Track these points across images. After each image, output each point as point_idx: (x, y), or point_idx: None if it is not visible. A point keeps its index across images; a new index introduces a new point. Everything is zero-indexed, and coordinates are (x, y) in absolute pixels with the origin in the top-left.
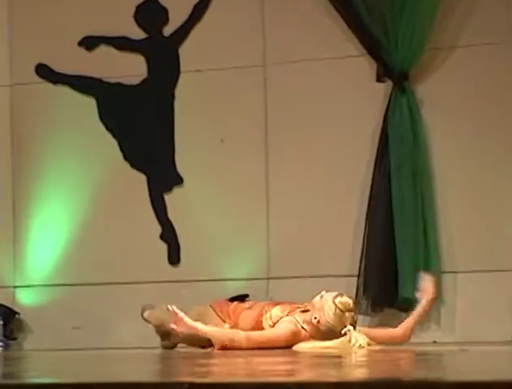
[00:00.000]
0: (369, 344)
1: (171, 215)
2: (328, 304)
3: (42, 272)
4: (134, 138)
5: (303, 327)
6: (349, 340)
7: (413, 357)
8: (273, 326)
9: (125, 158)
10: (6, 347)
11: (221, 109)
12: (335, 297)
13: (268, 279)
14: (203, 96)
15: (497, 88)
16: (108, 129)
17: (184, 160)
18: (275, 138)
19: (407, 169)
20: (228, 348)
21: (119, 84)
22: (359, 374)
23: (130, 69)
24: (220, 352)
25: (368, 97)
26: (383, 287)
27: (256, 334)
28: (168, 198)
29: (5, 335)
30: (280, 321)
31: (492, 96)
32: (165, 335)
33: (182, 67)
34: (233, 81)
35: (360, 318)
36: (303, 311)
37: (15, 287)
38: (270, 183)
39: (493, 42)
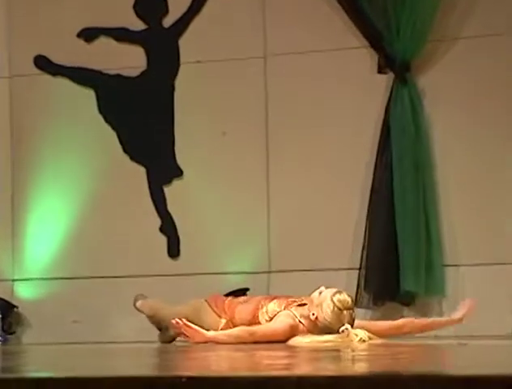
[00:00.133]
0: (370, 338)
1: (171, 207)
2: (326, 301)
3: (41, 265)
4: (133, 130)
5: (300, 322)
6: (347, 336)
7: (413, 351)
8: (270, 320)
9: (125, 150)
10: (5, 341)
11: (221, 100)
12: (334, 294)
13: (269, 272)
14: (203, 88)
15: (499, 80)
16: (107, 121)
17: (184, 153)
18: (276, 131)
19: (409, 162)
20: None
21: (118, 76)
22: (358, 368)
23: (130, 60)
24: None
25: (369, 89)
26: (385, 280)
27: (254, 328)
28: (167, 190)
29: (3, 329)
30: (278, 315)
31: (494, 88)
32: (159, 324)
33: (182, 59)
34: (234, 72)
35: (362, 311)
36: (300, 305)
37: (14, 280)
38: (271, 176)
39: (496, 33)
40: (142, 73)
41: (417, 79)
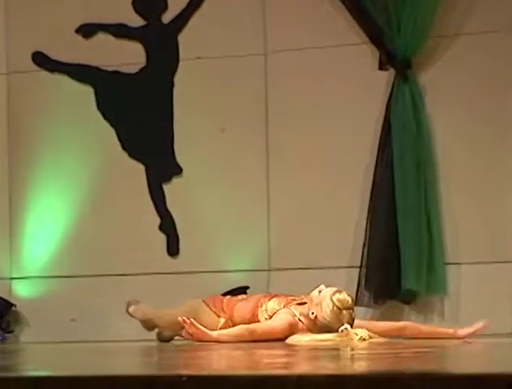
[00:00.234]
0: (370, 337)
1: (170, 205)
2: (326, 301)
3: (39, 264)
4: (132, 127)
5: (300, 320)
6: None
7: (414, 350)
8: (269, 318)
9: (124, 148)
10: (3, 340)
11: (221, 97)
12: (334, 293)
13: (269, 270)
14: (203, 85)
15: (501, 77)
16: (105, 118)
17: (183, 150)
18: (276, 128)
19: (410, 159)
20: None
21: (117, 72)
22: (358, 366)
23: (129, 57)
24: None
25: (370, 86)
26: (385, 279)
27: (253, 327)
28: (167, 188)
29: (1, 328)
30: (277, 313)
31: (496, 85)
32: (152, 329)
33: (182, 55)
34: (233, 69)
35: (362, 310)
36: (299, 304)
37: (12, 278)
38: (271, 173)
39: (497, 30)
40: (141, 69)
41: (418, 76)
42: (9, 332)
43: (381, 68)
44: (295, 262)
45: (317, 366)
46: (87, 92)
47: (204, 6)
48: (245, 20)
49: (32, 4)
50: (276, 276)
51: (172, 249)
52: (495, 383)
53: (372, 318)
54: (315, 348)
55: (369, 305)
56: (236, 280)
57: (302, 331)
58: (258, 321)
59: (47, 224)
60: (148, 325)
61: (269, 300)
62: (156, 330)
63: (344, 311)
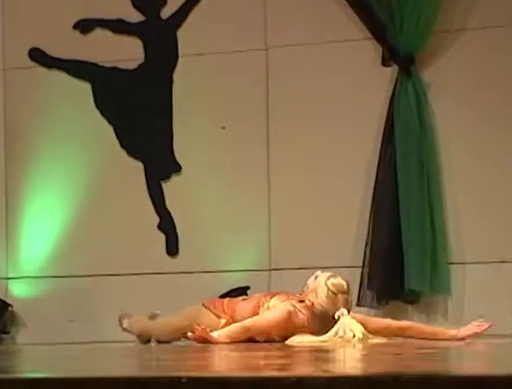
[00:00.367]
0: (368, 337)
1: (169, 204)
2: (321, 286)
3: (36, 263)
4: (130, 124)
5: (300, 311)
6: (337, 333)
7: (415, 351)
8: None
9: (122, 146)
10: None
11: (221, 94)
12: (328, 278)
13: (270, 270)
14: (203, 81)
15: (506, 72)
16: (103, 115)
17: (182, 148)
18: (277, 125)
19: (414, 157)
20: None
21: (115, 69)
22: (359, 368)
23: (127, 53)
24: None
25: (373, 82)
26: (388, 278)
27: (251, 320)
28: (166, 186)
29: None
30: (276, 304)
31: (501, 80)
32: (147, 341)
33: (181, 51)
34: (234, 65)
35: (365, 310)
36: (300, 301)
37: (8, 278)
38: (272, 171)
39: (502, 25)
40: (140, 66)
41: (422, 72)
42: (5, 333)
43: (384, 64)
44: (296, 261)
45: (317, 368)
46: (84, 89)
47: (204, 1)
48: (246, 15)
49: None
50: (277, 276)
51: (172, 248)
52: (498, 385)
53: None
54: (315, 350)
55: (371, 306)
56: (237, 280)
57: (302, 322)
58: None
59: (44, 222)
60: (144, 338)
61: (270, 298)
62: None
63: (339, 295)
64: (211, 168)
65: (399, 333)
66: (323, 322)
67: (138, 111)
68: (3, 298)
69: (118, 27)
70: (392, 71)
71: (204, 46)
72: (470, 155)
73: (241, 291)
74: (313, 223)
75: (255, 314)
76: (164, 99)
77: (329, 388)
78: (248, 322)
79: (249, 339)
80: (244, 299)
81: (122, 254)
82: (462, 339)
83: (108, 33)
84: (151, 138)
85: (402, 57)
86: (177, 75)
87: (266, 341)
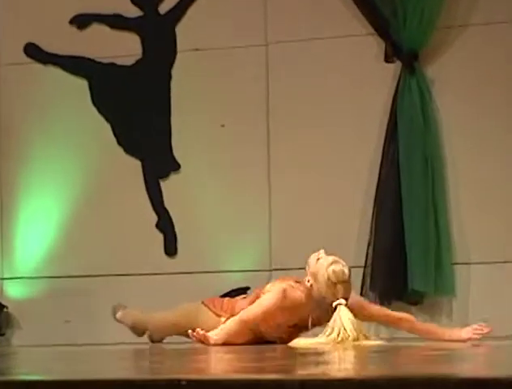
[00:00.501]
0: (366, 337)
1: (167, 203)
2: (321, 272)
3: (31, 263)
4: (128, 122)
5: (298, 289)
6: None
7: (419, 353)
8: None
9: (119, 143)
10: None
11: (220, 90)
12: (330, 264)
13: (270, 270)
14: (202, 77)
15: (511, 68)
16: (100, 112)
17: (181, 145)
18: (278, 123)
19: (417, 154)
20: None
21: (112, 65)
22: (363, 370)
23: (124, 49)
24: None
25: (375, 79)
26: (391, 279)
27: (245, 310)
28: (164, 185)
29: None
30: (270, 288)
31: (506, 76)
32: (141, 334)
33: (179, 47)
34: (233, 61)
35: None
36: (297, 281)
37: (3, 279)
38: (273, 170)
39: (506, 21)
40: (138, 61)
41: (426, 68)
42: (0, 335)
43: (387, 60)
44: (297, 262)
45: (320, 370)
46: (81, 85)
47: None
48: (246, 10)
49: None
50: (278, 276)
51: (170, 248)
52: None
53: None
54: (314, 352)
55: None
56: (237, 281)
57: (300, 298)
58: None
59: (39, 222)
60: (138, 330)
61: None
62: (147, 333)
63: (339, 285)
64: (210, 166)
65: (397, 323)
66: (321, 306)
67: (136, 108)
68: None
69: (115, 22)
70: (395, 68)
71: (203, 42)
72: (474, 152)
73: (241, 291)
74: (314, 222)
75: None
76: (163, 95)
77: None
78: (243, 313)
79: (254, 341)
80: (243, 297)
81: (119, 254)
82: (457, 341)
83: (106, 28)
84: (149, 136)
85: (405, 53)
86: (175, 71)
87: (268, 342)
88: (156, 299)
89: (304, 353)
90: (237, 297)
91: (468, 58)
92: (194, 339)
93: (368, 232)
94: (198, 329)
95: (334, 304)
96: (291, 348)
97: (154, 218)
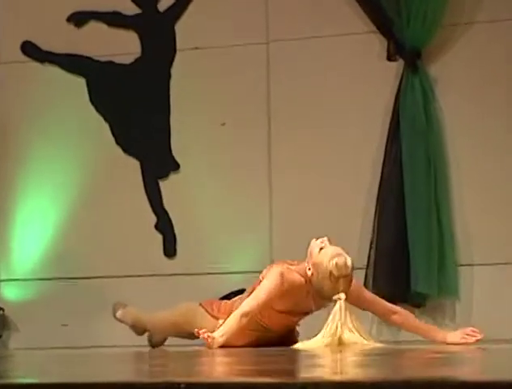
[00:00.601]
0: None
1: (167, 203)
2: (324, 264)
3: (29, 265)
4: (126, 121)
5: (297, 272)
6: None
7: (421, 356)
8: None
9: (118, 143)
10: None
11: (220, 89)
12: (332, 257)
13: None
14: (202, 76)
15: None
16: (99, 111)
17: (180, 145)
18: (279, 122)
19: (420, 154)
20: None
21: (111, 63)
22: (369, 373)
23: (123, 47)
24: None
25: (378, 77)
26: (394, 281)
27: (244, 303)
28: (163, 185)
29: None
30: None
31: (511, 75)
32: (141, 333)
33: (179, 45)
34: (234, 60)
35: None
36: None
37: None
38: (274, 169)
39: (511, 18)
40: (136, 60)
41: (429, 67)
42: None
43: (389, 59)
44: None
45: (322, 373)
46: (79, 84)
47: None
48: (246, 8)
49: None
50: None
51: (169, 249)
52: None
53: (380, 322)
54: (318, 355)
55: None
56: (237, 282)
57: (298, 279)
58: None
59: (36, 223)
60: (138, 330)
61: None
62: (147, 334)
63: (341, 279)
64: (210, 166)
65: (387, 316)
66: (319, 295)
67: (135, 107)
68: None
69: (114, 19)
70: (398, 66)
71: (203, 40)
72: (478, 152)
73: (240, 294)
74: (315, 223)
75: None
76: (162, 94)
77: None
78: (242, 306)
79: (255, 343)
80: (239, 298)
81: (118, 255)
82: (449, 344)
83: (104, 26)
84: (147, 135)
85: (408, 52)
86: (174, 70)
87: (268, 345)
88: (155, 301)
89: (304, 356)
90: (234, 299)
91: (472, 57)
92: (204, 339)
93: (370, 233)
94: (202, 330)
95: (334, 298)
96: (291, 351)
97: (153, 219)
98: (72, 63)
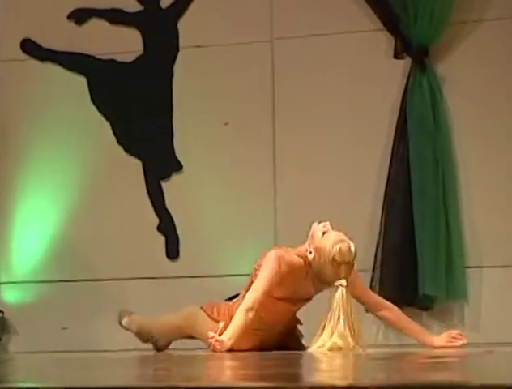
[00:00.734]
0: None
1: (169, 204)
2: (327, 249)
3: (28, 267)
4: (128, 120)
5: (293, 253)
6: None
7: (429, 360)
8: None
9: (119, 142)
10: None
11: (224, 88)
12: (335, 243)
13: None
14: (205, 74)
15: None
16: (100, 110)
17: (183, 145)
18: (283, 121)
19: (428, 154)
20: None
21: (112, 61)
22: (376, 377)
23: (125, 45)
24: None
25: (384, 75)
26: (401, 283)
27: (246, 299)
28: (165, 186)
29: None
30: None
31: None
32: (147, 340)
33: (181, 43)
34: (237, 58)
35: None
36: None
37: None
38: (278, 169)
39: None
40: (138, 58)
41: (437, 65)
42: None
43: (396, 56)
44: None
45: (327, 377)
46: (80, 83)
47: None
48: (250, 5)
49: None
50: None
51: (172, 251)
52: None
53: (387, 326)
54: (319, 359)
55: None
56: (241, 285)
57: (296, 261)
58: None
59: (36, 224)
60: (143, 337)
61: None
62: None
63: (343, 265)
64: (213, 166)
65: (380, 312)
66: (319, 279)
67: (137, 106)
68: None
69: (115, 17)
70: (405, 64)
71: (206, 37)
72: (486, 152)
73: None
74: None
75: None
76: (164, 93)
77: None
78: (244, 302)
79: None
80: (237, 300)
81: (119, 257)
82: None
83: (105, 24)
84: (150, 135)
85: (415, 49)
86: (177, 68)
87: (277, 348)
88: (158, 304)
89: (308, 360)
90: (233, 300)
91: (480, 55)
92: (211, 345)
93: (377, 234)
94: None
95: (336, 283)
96: (293, 354)
97: (155, 220)
98: (73, 61)
